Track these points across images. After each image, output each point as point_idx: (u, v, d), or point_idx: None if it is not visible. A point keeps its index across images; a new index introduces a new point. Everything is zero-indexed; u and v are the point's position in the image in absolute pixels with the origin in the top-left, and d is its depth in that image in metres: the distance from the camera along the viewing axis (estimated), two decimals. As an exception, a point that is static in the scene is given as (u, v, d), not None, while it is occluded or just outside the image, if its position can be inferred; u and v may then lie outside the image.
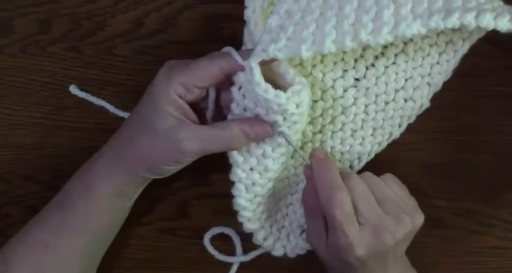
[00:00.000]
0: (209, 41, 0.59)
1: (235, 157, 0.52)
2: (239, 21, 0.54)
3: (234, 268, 0.60)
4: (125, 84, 0.60)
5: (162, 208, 0.60)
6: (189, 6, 0.59)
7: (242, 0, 0.55)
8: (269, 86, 0.47)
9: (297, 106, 0.49)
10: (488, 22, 0.45)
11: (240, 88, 0.50)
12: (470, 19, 0.45)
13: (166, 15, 0.60)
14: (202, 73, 0.49)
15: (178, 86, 0.49)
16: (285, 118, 0.49)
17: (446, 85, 0.56)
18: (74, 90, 0.60)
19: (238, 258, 0.59)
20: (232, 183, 0.54)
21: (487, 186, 0.59)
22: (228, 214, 0.59)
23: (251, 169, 0.52)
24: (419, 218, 0.52)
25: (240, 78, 0.49)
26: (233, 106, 0.50)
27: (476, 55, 0.56)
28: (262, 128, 0.49)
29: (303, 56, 0.46)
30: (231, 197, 0.58)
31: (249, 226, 0.55)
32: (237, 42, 0.55)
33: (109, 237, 0.56)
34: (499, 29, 0.46)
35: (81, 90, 0.60)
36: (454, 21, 0.45)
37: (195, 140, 0.49)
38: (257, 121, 0.50)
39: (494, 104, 0.59)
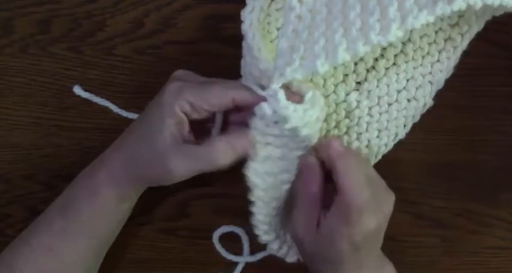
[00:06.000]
0: (209, 41, 0.59)
1: (255, 180, 0.51)
2: (239, 21, 0.54)
3: (239, 268, 0.60)
4: (125, 84, 0.60)
5: (162, 208, 0.60)
6: (189, 6, 0.59)
7: (242, 0, 0.55)
8: (296, 105, 0.47)
9: (321, 110, 0.49)
10: None
11: (261, 118, 0.49)
12: None
13: (166, 15, 0.60)
14: (214, 100, 0.49)
15: (185, 104, 0.49)
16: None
17: (447, 85, 0.56)
18: (77, 90, 0.60)
19: (245, 258, 0.59)
20: (232, 183, 0.54)
21: (487, 186, 0.59)
22: (228, 213, 0.60)
23: (271, 187, 0.52)
24: (393, 197, 0.51)
25: (263, 109, 0.48)
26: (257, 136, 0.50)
27: (476, 56, 0.56)
28: (246, 140, 0.49)
29: (320, 71, 0.46)
30: (231, 197, 0.58)
31: (265, 238, 0.55)
32: (236, 43, 0.55)
33: (111, 239, 0.56)
34: (504, 4, 0.45)
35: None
36: (459, 3, 0.44)
37: (182, 162, 0.49)
38: (240, 133, 0.49)
39: (494, 104, 0.59)
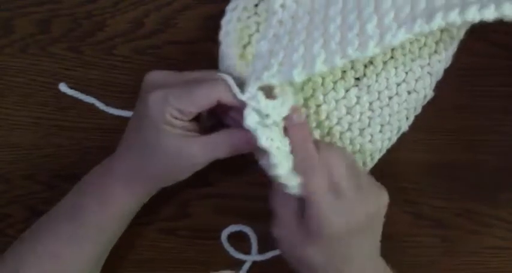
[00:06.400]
0: (209, 41, 0.59)
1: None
2: (239, 21, 0.54)
3: (246, 266, 0.60)
4: (125, 84, 0.60)
5: (162, 208, 0.60)
6: (189, 6, 0.60)
7: (242, 0, 0.55)
8: (274, 101, 0.48)
9: (294, 99, 0.50)
10: (474, 15, 0.45)
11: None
12: (454, 17, 0.45)
13: (166, 15, 0.60)
14: (201, 103, 0.49)
15: (174, 111, 0.49)
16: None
17: (447, 85, 0.56)
18: (63, 87, 0.60)
19: (253, 257, 0.59)
20: (233, 183, 0.54)
21: (487, 186, 0.59)
22: (228, 213, 0.60)
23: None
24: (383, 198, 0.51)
25: (250, 117, 0.48)
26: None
27: (476, 55, 0.56)
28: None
29: (296, 80, 0.47)
30: (231, 197, 0.58)
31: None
32: (237, 42, 0.55)
33: (115, 241, 0.57)
34: (485, 19, 0.45)
35: (81, 90, 0.60)
36: (438, 22, 0.45)
37: (201, 153, 0.50)
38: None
39: (494, 104, 0.59)
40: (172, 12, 0.60)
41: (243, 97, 0.49)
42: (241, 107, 0.49)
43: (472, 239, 0.59)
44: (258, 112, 0.48)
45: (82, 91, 0.60)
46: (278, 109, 0.48)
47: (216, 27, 0.59)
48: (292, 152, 0.49)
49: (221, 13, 0.59)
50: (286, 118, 0.50)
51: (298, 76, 0.47)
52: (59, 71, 0.60)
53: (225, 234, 0.60)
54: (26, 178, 0.61)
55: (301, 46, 0.48)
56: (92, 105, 0.60)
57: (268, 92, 0.49)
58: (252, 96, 0.48)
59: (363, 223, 0.49)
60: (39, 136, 0.61)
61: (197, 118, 0.52)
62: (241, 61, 0.53)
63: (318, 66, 0.47)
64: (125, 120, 0.59)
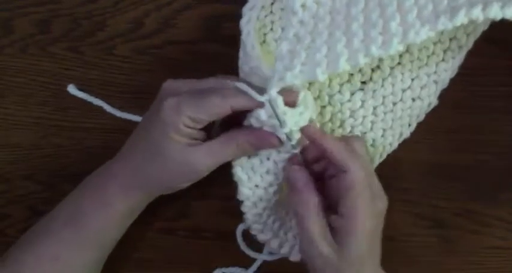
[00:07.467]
0: (209, 41, 0.59)
1: (240, 175, 0.52)
2: (239, 21, 0.54)
3: (257, 264, 0.60)
4: (125, 84, 0.60)
5: (162, 208, 0.60)
6: (189, 6, 0.60)
7: (242, 0, 0.55)
8: (292, 110, 0.48)
9: (313, 110, 0.50)
10: (496, 13, 0.45)
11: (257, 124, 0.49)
12: (477, 13, 0.45)
13: (166, 15, 0.60)
14: (214, 111, 0.49)
15: (187, 120, 0.49)
16: None
17: (447, 85, 0.56)
18: (72, 89, 0.60)
19: (264, 256, 0.59)
20: (232, 183, 0.54)
21: (487, 186, 0.59)
22: (228, 213, 0.59)
23: (256, 186, 0.52)
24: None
25: (261, 116, 0.48)
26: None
27: (476, 55, 0.56)
28: (269, 140, 0.49)
29: (320, 79, 0.47)
30: (231, 197, 0.58)
31: (262, 237, 0.55)
32: (236, 43, 0.55)
33: (115, 244, 0.57)
34: (507, 17, 0.45)
35: (81, 90, 0.60)
36: (461, 18, 0.45)
37: (207, 159, 0.50)
38: (262, 133, 0.49)
39: (494, 104, 0.59)
40: (172, 12, 0.60)
41: (261, 98, 0.48)
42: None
43: (471, 239, 0.59)
44: (270, 119, 0.48)
45: (81, 91, 0.60)
46: (296, 118, 0.48)
47: (216, 27, 0.59)
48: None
49: (221, 13, 0.59)
50: (302, 129, 0.49)
51: (322, 75, 0.46)
52: (59, 71, 0.60)
53: (240, 229, 0.59)
54: (26, 178, 0.61)
55: (323, 46, 0.48)
56: (92, 104, 0.60)
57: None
58: (271, 99, 0.47)
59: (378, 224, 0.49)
60: (39, 136, 0.61)
61: (206, 128, 0.52)
62: (265, 62, 0.52)
63: (341, 65, 0.46)
64: (125, 120, 0.59)
